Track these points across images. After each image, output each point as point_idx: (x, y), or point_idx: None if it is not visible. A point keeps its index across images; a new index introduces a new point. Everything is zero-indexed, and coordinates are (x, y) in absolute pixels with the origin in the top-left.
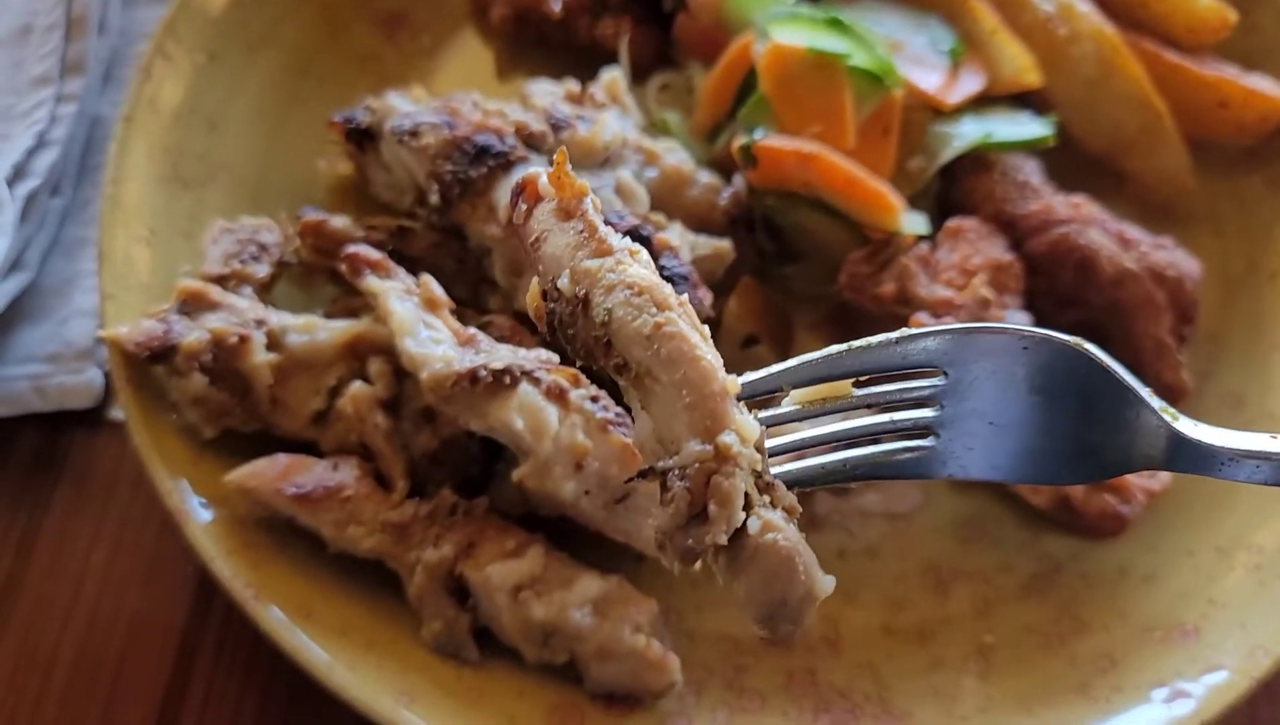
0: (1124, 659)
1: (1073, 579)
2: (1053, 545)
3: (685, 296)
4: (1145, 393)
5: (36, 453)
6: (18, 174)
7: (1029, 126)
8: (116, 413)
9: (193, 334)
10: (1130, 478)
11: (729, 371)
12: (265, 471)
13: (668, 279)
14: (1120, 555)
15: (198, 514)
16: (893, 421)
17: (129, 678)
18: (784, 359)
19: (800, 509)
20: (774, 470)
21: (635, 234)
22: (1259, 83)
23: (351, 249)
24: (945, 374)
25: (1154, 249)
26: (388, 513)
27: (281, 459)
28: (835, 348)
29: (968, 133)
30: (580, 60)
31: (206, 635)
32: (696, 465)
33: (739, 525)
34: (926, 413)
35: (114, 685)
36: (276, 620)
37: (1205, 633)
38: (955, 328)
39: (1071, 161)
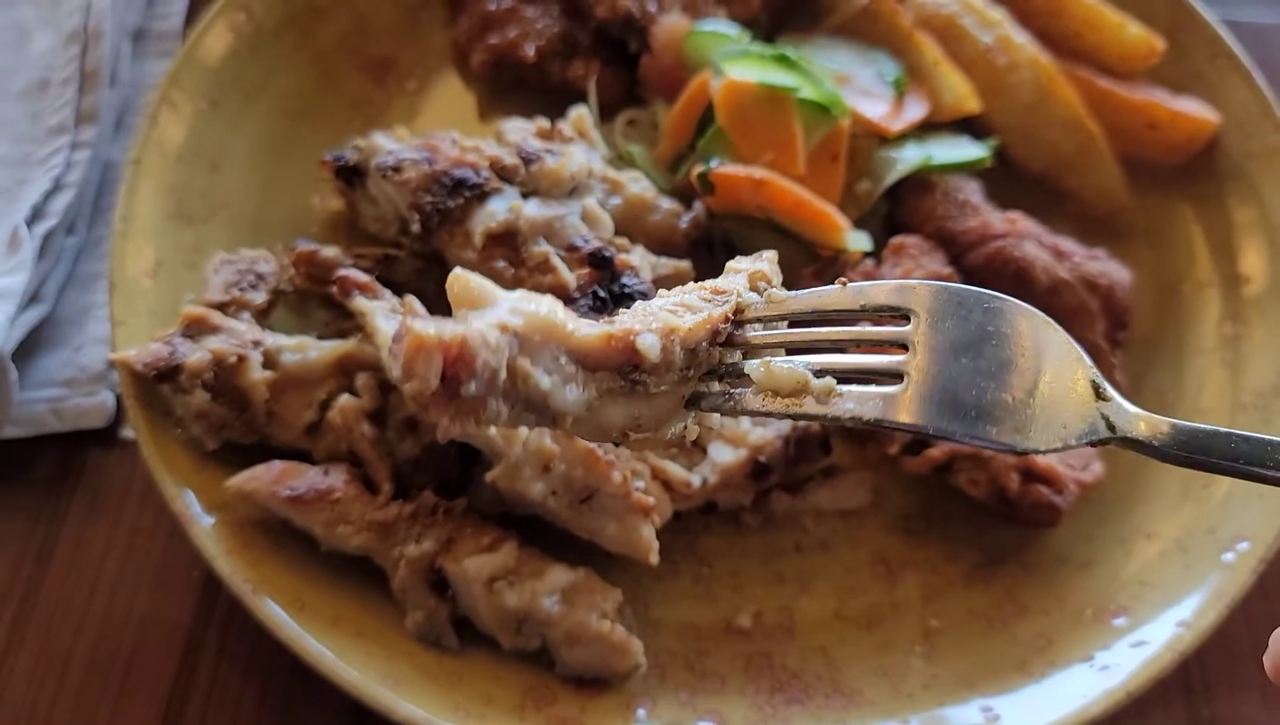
0: (1060, 638)
1: (1015, 568)
2: (996, 537)
3: None
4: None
5: (54, 469)
6: (36, 215)
7: (967, 149)
8: (127, 432)
9: (195, 355)
10: (1063, 470)
11: None
12: (262, 476)
13: (628, 296)
14: (1060, 545)
15: (201, 518)
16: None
17: (139, 672)
18: None
19: None
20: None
21: (599, 255)
22: (1186, 105)
23: (342, 272)
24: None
25: (1087, 260)
26: (374, 513)
27: (277, 465)
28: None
29: (910, 157)
30: (555, 101)
31: (210, 633)
32: None
33: None
34: (896, 358)
35: (125, 679)
36: (273, 612)
37: (1134, 612)
38: (922, 282)
39: (1015, 182)
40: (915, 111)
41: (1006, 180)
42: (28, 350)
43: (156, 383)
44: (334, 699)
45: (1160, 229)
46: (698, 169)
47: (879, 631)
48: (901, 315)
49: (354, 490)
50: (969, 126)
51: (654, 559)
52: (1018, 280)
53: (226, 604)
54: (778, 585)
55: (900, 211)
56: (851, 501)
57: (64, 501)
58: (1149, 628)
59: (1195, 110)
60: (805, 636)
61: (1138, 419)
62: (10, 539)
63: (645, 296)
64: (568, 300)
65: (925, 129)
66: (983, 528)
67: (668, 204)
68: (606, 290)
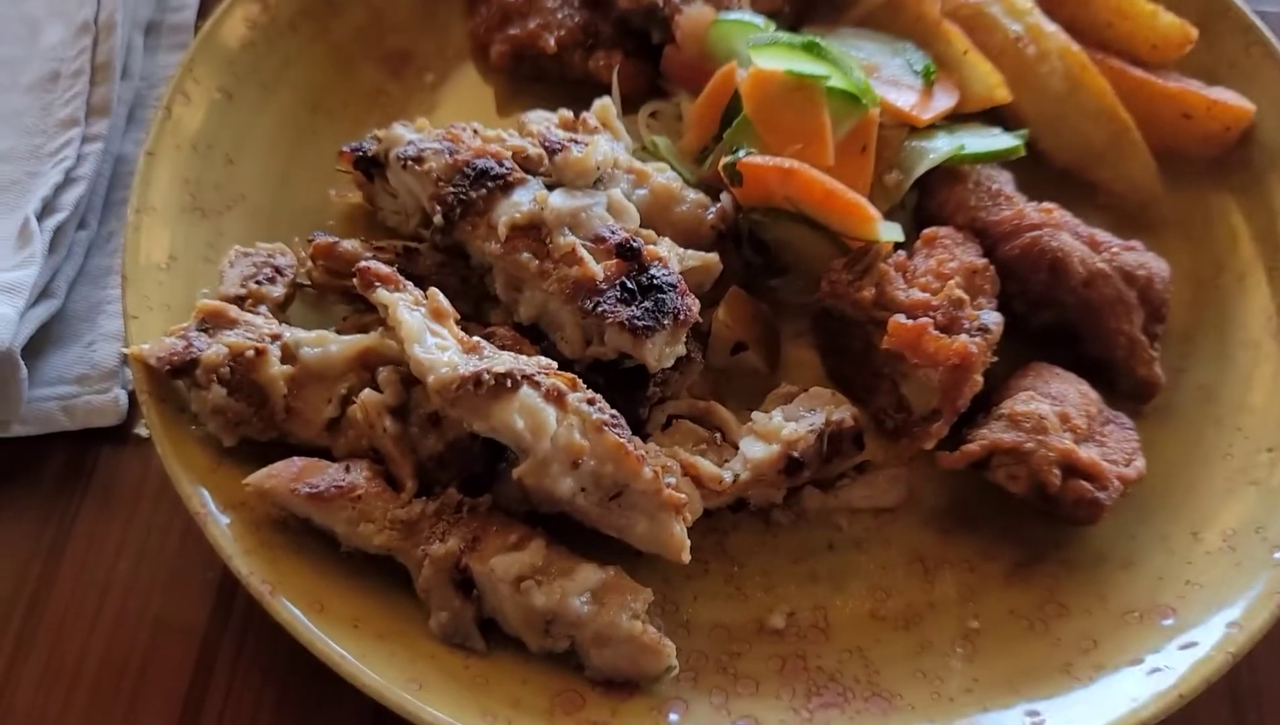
0: (1105, 639)
1: (1054, 566)
2: (1034, 534)
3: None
4: None
5: (65, 468)
6: (46, 208)
7: (1000, 139)
8: (140, 430)
9: (212, 349)
10: (1105, 465)
11: (719, 378)
12: (282, 473)
13: (657, 288)
14: (1099, 542)
15: (217, 517)
16: None
17: (153, 677)
18: (772, 365)
19: None
20: None
21: (626, 246)
22: (1221, 94)
23: (364, 264)
24: None
25: (1123, 251)
26: (397, 511)
27: (297, 462)
28: None
29: (941, 146)
30: (575, 93)
31: (227, 636)
32: None
33: None
34: None
35: (139, 684)
36: (292, 614)
37: (1182, 613)
38: None
39: (1043, 174)
40: (944, 101)
41: (1035, 172)
42: (38, 346)
43: (171, 378)
44: (355, 704)
45: (1195, 221)
46: (725, 160)
47: (917, 632)
48: None
49: (376, 487)
50: (995, 117)
51: (686, 558)
52: (1053, 272)
53: (244, 606)
54: (811, 585)
55: (930, 203)
56: (885, 498)
57: (75, 501)
58: (1199, 629)
59: (1231, 99)
60: (841, 637)
61: None
62: (20, 539)
63: (674, 288)
64: (595, 291)
65: (954, 119)
66: (1020, 525)
67: (694, 195)
68: (635, 282)
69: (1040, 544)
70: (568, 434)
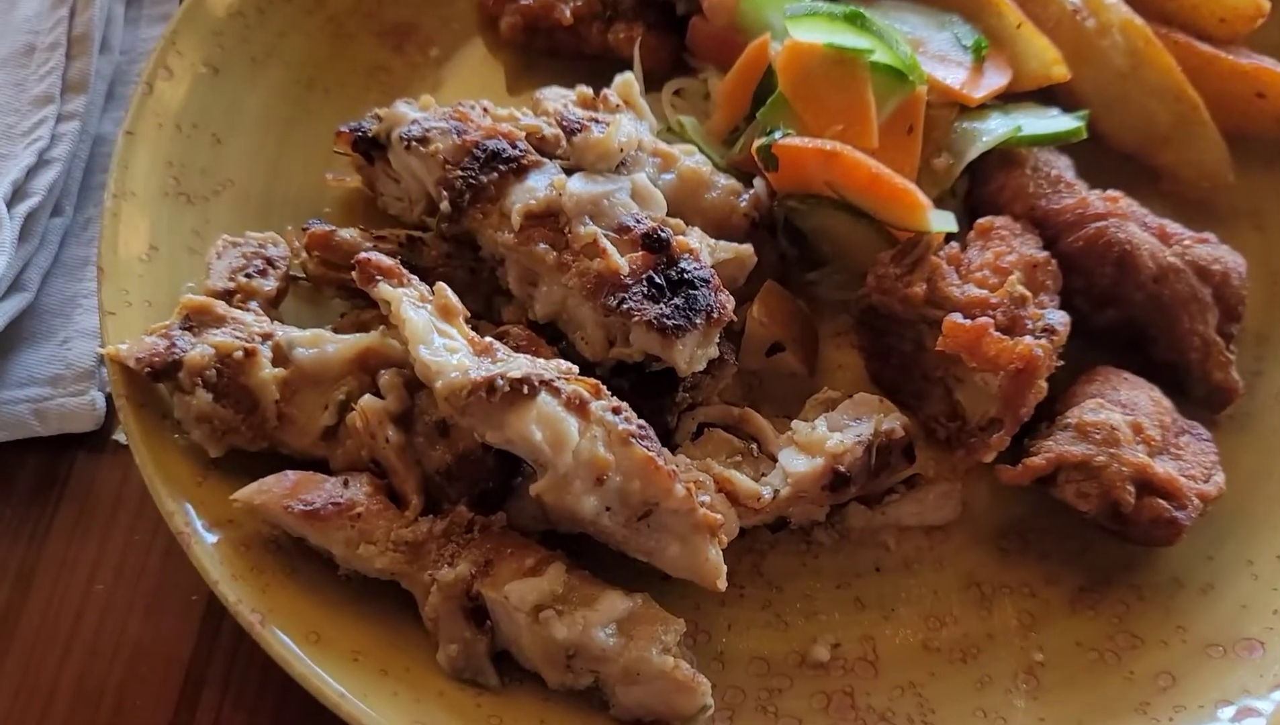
0: (1185, 676)
1: (1124, 592)
2: (1101, 556)
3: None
4: None
5: (36, 478)
6: (17, 193)
7: (1059, 120)
8: (118, 436)
9: (197, 349)
10: (1183, 482)
11: (752, 382)
12: (273, 488)
13: (688, 283)
14: (1174, 566)
15: (203, 536)
16: None
17: (131, 710)
18: (810, 367)
19: None
20: None
21: (654, 237)
22: None
23: (363, 255)
24: None
25: (1196, 243)
26: (401, 530)
27: (290, 476)
28: None
29: (995, 128)
30: (593, 70)
31: (212, 667)
32: None
33: None
34: None
35: (115, 717)
36: (285, 645)
37: (1272, 646)
38: None
39: (1103, 159)
40: (997, 79)
41: (1093, 157)
42: (7, 344)
43: (152, 381)
44: None
45: (1269, 209)
46: (758, 142)
47: (975, 665)
48: None
49: (378, 504)
50: (1049, 97)
51: (722, 585)
52: (1120, 266)
53: (231, 634)
54: (857, 611)
55: (984, 190)
56: (937, 516)
57: (47, 514)
58: None
59: None
60: (891, 671)
61: None
62: None
63: (707, 283)
64: (619, 287)
65: (1005, 99)
66: (1085, 545)
67: (725, 181)
68: (663, 276)
69: (1108, 567)
70: (591, 447)
